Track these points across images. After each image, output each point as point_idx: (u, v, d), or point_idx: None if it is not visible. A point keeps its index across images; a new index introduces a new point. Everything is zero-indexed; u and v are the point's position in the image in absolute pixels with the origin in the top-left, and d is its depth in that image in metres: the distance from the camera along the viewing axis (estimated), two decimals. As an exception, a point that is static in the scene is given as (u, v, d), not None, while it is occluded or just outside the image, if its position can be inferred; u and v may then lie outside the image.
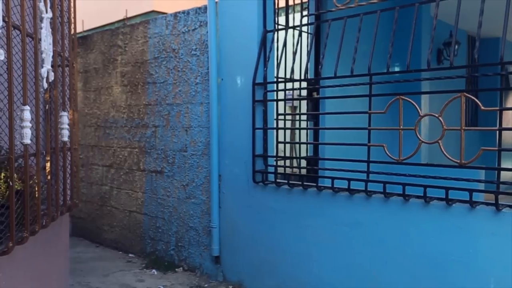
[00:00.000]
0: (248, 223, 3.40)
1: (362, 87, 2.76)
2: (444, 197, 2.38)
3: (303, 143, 3.11)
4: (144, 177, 4.34)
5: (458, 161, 2.32)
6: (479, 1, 2.18)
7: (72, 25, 2.36)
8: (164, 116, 4.10)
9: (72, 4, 2.36)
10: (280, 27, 3.37)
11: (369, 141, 2.70)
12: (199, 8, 3.77)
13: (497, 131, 2.23)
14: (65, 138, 2.12)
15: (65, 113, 2.12)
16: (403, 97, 2.51)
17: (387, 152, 2.57)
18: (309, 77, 3.12)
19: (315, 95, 4.06)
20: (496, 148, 2.22)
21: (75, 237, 5.21)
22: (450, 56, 2.38)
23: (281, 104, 3.39)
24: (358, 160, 2.75)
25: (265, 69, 3.23)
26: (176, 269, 3.94)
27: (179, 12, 3.96)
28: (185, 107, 3.91)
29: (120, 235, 4.64)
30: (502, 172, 2.26)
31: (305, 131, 3.83)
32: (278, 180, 3.22)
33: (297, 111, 4.84)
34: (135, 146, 4.42)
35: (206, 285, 3.58)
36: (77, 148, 2.42)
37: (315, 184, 2.98)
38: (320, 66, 3.01)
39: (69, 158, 2.32)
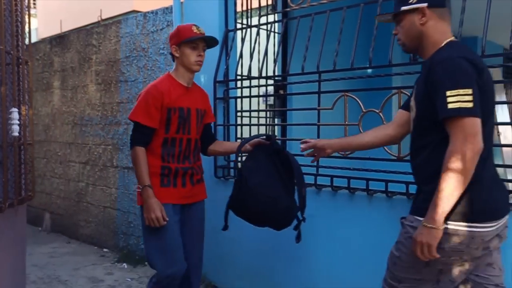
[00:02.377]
0: (212, 217, 3.50)
1: (328, 83, 2.80)
2: (384, 189, 2.48)
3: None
4: (117, 173, 4.43)
5: (397, 155, 2.42)
6: (460, 0, 2.24)
7: (27, 24, 2.45)
8: (135, 113, 4.19)
9: (26, 4, 2.45)
10: (243, 26, 3.46)
11: (318, 137, 2.80)
12: (167, 8, 3.87)
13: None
14: (16, 134, 2.21)
15: (16, 109, 2.22)
16: (347, 94, 2.61)
17: (334, 147, 2.66)
18: (269, 75, 3.20)
19: (281, 92, 4.16)
20: (429, 142, 2.32)
21: (53, 233, 5.33)
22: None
23: (256, 101, 3.50)
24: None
25: (225, 67, 3.33)
26: (146, 263, 4.03)
27: (148, 12, 4.06)
28: (154, 104, 4.00)
29: (95, 231, 4.74)
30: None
31: (270, 127, 3.94)
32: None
33: (272, 108, 4.97)
34: (109, 143, 4.52)
35: (172, 278, 3.68)
36: (32, 143, 2.51)
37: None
38: (287, 64, 3.10)
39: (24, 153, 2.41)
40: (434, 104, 1.60)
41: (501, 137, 7.67)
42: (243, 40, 3.33)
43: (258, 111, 3.26)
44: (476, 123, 1.54)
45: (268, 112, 4.05)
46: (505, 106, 8.09)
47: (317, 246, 2.82)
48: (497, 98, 7.24)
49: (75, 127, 4.97)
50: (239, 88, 3.37)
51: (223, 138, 3.36)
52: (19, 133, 2.28)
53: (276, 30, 3.50)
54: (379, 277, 2.52)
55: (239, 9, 3.54)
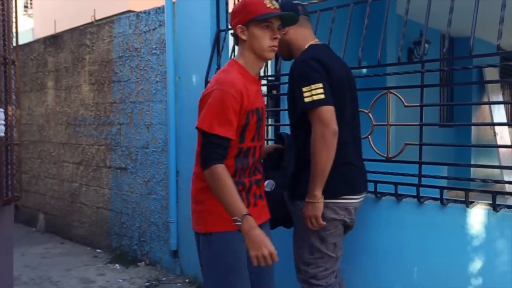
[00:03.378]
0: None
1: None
2: (373, 190, 2.47)
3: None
4: (110, 174, 4.42)
5: (385, 155, 2.41)
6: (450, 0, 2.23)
7: (14, 24, 2.44)
8: (128, 113, 4.19)
9: (13, 4, 2.44)
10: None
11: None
12: (159, 8, 3.86)
13: (419, 126, 2.31)
14: (1, 134, 2.20)
15: (2, 110, 2.20)
16: (336, 94, 2.60)
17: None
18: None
19: (274, 91, 4.15)
20: (418, 143, 2.31)
21: (47, 234, 5.31)
22: (420, 53, 2.45)
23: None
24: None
25: (216, 67, 3.31)
26: (138, 264, 4.03)
27: (141, 12, 4.05)
28: (147, 105, 4.00)
29: (89, 231, 4.73)
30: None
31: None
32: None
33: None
34: (102, 144, 4.51)
35: (164, 279, 3.67)
36: (19, 144, 2.49)
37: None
38: (278, 64, 3.09)
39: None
40: (296, 100, 1.93)
41: (498, 138, 7.67)
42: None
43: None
44: (329, 110, 1.87)
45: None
46: (502, 106, 8.08)
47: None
48: (494, 98, 7.27)
49: (68, 127, 4.95)
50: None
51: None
52: (5, 133, 2.26)
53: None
54: (367, 276, 2.52)
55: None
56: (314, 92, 1.87)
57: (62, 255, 4.44)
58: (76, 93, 4.83)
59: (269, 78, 3.76)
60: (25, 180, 5.79)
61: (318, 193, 1.91)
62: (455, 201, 2.25)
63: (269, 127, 4.27)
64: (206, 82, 3.33)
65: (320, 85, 1.87)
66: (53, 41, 5.18)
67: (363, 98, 2.66)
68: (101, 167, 4.53)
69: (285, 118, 4.34)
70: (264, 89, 4.02)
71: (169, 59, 3.67)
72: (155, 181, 3.93)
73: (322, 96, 1.86)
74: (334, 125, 1.86)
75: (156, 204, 3.93)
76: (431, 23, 2.43)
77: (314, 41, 2.08)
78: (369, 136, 2.47)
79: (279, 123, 4.18)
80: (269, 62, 3.88)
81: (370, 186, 2.50)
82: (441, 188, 2.21)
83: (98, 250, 4.56)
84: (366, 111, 2.47)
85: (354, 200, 2.05)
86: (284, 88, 4.13)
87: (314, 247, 2.03)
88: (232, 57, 3.35)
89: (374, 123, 2.45)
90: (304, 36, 2.08)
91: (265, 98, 4.40)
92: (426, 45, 6.18)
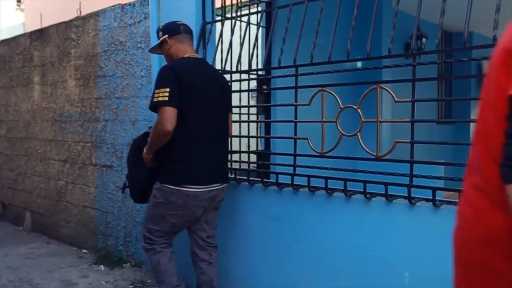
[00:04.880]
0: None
1: (314, 77, 2.63)
2: (362, 190, 2.34)
3: (241, 136, 3.07)
4: (96, 172, 4.29)
5: (375, 154, 2.27)
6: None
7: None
8: (113, 109, 4.05)
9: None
10: (222, 18, 3.30)
11: (295, 134, 2.65)
12: (144, 0, 3.71)
13: (411, 123, 2.17)
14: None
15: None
16: (325, 89, 2.46)
17: (310, 145, 2.52)
18: (244, 69, 3.05)
19: (264, 88, 4.01)
20: (409, 141, 2.17)
21: (33, 233, 5.18)
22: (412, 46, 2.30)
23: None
24: (284, 154, 2.71)
25: (202, 61, 3.18)
26: (124, 265, 3.89)
27: (126, 4, 3.91)
28: (132, 100, 3.85)
29: (75, 231, 4.59)
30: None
31: (254, 124, 3.79)
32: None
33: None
34: (87, 141, 4.37)
35: (149, 281, 3.54)
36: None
37: (246, 178, 2.93)
38: (268, 57, 2.94)
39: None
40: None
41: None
42: (221, 33, 3.17)
43: (238, 107, 3.10)
44: (168, 110, 2.29)
45: (250, 109, 3.89)
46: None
47: (294, 249, 2.68)
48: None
49: (54, 124, 4.81)
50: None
51: (200, 135, 3.21)
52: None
53: (256, 22, 3.33)
54: (357, 281, 2.39)
55: (219, 4, 3.37)
56: (161, 94, 2.31)
57: (47, 256, 4.31)
58: (62, 88, 4.69)
59: (259, 72, 3.63)
60: (12, 177, 5.65)
61: (149, 153, 2.51)
62: (449, 203, 2.11)
63: (260, 124, 4.14)
64: (191, 76, 3.20)
65: (167, 89, 2.30)
66: (39, 35, 5.03)
67: (355, 93, 2.53)
68: (87, 164, 4.39)
69: (276, 114, 4.21)
70: (253, 84, 3.89)
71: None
72: (141, 180, 3.78)
73: (166, 98, 2.30)
74: (168, 124, 2.29)
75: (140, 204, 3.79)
76: (429, 17, 2.31)
77: (191, 54, 2.58)
78: (358, 133, 2.33)
79: (270, 119, 4.05)
80: (260, 55, 3.75)
81: (359, 186, 2.37)
82: (434, 189, 2.08)
83: (83, 251, 4.43)
84: (355, 107, 2.34)
85: (195, 189, 2.43)
86: (275, 82, 4.00)
87: (156, 221, 2.54)
88: (219, 49, 3.24)
89: (364, 120, 2.31)
90: (182, 50, 2.58)
91: (255, 94, 4.28)
92: (424, 39, 6.04)
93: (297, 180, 2.68)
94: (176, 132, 2.36)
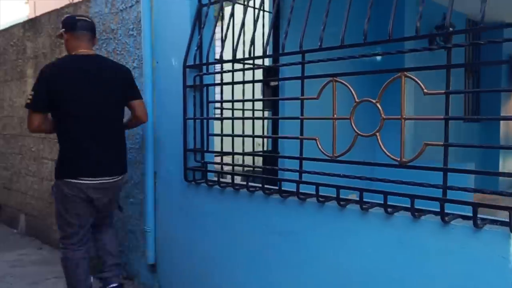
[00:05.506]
0: (184, 227, 2.96)
1: (325, 65, 2.18)
2: (382, 203, 1.90)
3: (237, 135, 2.64)
4: (87, 173, 3.91)
5: (398, 159, 1.83)
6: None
7: None
8: (105, 105, 3.66)
9: None
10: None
11: (301, 133, 2.22)
12: (136, -19, 3.31)
13: (444, 121, 1.72)
14: None
15: None
16: (336, 79, 2.02)
17: (319, 146, 2.09)
18: (238, 58, 2.62)
19: (272, 82, 3.58)
20: (442, 143, 1.72)
21: (27, 237, 4.86)
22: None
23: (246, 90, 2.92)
24: (288, 157, 2.29)
25: (196, 48, 2.76)
26: (115, 277, 3.51)
27: (117, -13, 3.51)
28: (124, 94, 3.46)
29: (67, 236, 4.23)
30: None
31: (250, 121, 3.36)
32: (209, 179, 2.77)
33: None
34: (79, 139, 3.99)
35: (140, 296, 3.16)
36: None
37: (245, 184, 2.51)
38: (275, 44, 2.51)
39: None
40: None
41: None
42: (218, 16, 2.76)
43: (237, 101, 2.68)
44: (30, 113, 2.56)
45: (257, 104, 3.47)
46: None
47: (298, 269, 2.26)
48: None
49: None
50: (217, 73, 2.80)
51: (194, 133, 2.80)
52: None
53: (259, 5, 2.90)
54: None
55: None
56: (30, 96, 2.55)
57: (35, 264, 3.96)
58: (54, 82, 4.33)
59: (256, 63, 3.18)
60: (7, 177, 5.34)
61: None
62: (495, 222, 1.66)
63: (265, 121, 3.72)
64: (185, 65, 2.79)
65: (33, 92, 2.54)
66: (32, 24, 4.69)
67: (373, 84, 2.09)
68: (79, 165, 4.02)
69: (284, 109, 3.78)
70: (258, 73, 3.44)
71: (145, 41, 3.13)
72: (133, 183, 3.40)
73: (29, 102, 2.55)
74: (29, 125, 2.61)
75: (134, 209, 3.41)
76: (456, 5, 1.85)
77: (82, 51, 2.69)
78: (378, 133, 1.89)
79: (277, 116, 3.62)
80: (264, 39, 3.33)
81: (378, 198, 1.93)
82: (475, 205, 1.63)
83: (75, 258, 4.07)
84: (374, 101, 1.89)
85: (84, 181, 2.60)
86: (285, 72, 3.56)
87: (62, 216, 2.70)
88: (216, 34, 2.82)
89: (384, 117, 1.86)
90: (75, 46, 2.71)
91: (260, 86, 3.84)
92: (451, 28, 5.51)
93: (304, 189, 2.25)
94: (59, 131, 2.68)
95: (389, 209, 1.89)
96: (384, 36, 1.89)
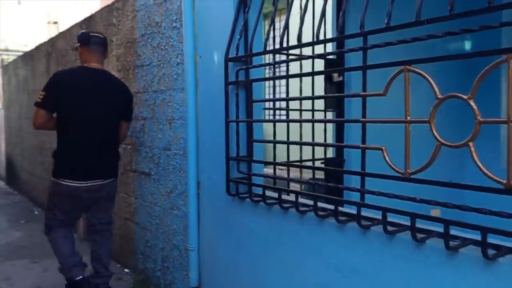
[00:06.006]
0: (227, 247, 2.54)
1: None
2: (480, 240, 1.33)
3: (278, 142, 2.15)
4: (135, 180, 3.64)
5: (504, 181, 1.25)
6: None
7: None
8: (151, 106, 3.35)
9: None
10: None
11: (363, 141, 1.69)
12: (178, -33, 2.94)
13: None
14: None
15: None
16: (410, 67, 1.47)
17: (387, 159, 1.55)
18: (291, 45, 2.11)
19: (335, 76, 3.04)
20: None
21: (85, 242, 4.70)
22: None
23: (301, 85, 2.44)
24: (348, 172, 1.76)
25: (239, 38, 2.31)
26: (160, 296, 3.20)
27: (161, -25, 3.17)
28: (168, 94, 3.12)
29: (119, 246, 4.00)
30: None
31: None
32: (255, 193, 2.31)
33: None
34: (128, 142, 3.73)
35: (182, 323, 2.79)
36: None
37: (293, 202, 2.02)
38: (341, 29, 1.99)
39: None
40: None
41: None
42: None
43: (284, 99, 2.18)
44: (38, 111, 2.80)
45: (317, 104, 2.94)
46: None
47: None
48: None
49: (101, 123, 4.26)
50: (265, 65, 2.34)
51: (237, 139, 2.35)
52: None
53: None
54: None
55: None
56: (40, 96, 2.80)
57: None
58: (106, 82, 4.12)
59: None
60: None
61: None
62: None
63: (328, 125, 3.20)
64: (226, 59, 2.36)
65: (44, 93, 2.80)
66: (88, 23, 4.52)
67: (461, 74, 1.52)
68: (128, 170, 3.76)
69: (351, 110, 3.22)
70: (318, 63, 2.91)
71: (186, 32, 2.74)
72: (177, 193, 3.04)
73: (39, 100, 2.79)
74: (35, 121, 2.82)
75: (178, 223, 3.05)
76: None
77: (92, 65, 2.93)
78: (471, 143, 1.32)
79: (343, 118, 3.08)
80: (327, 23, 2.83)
81: (473, 234, 1.36)
82: None
83: (126, 270, 3.82)
84: (465, 97, 1.32)
85: (75, 183, 2.80)
86: (350, 60, 3.01)
87: (50, 209, 2.95)
88: (264, 25, 2.35)
89: (481, 119, 1.29)
90: (87, 59, 2.96)
91: (319, 81, 3.30)
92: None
93: (367, 213, 1.72)
94: (58, 133, 2.88)
95: (490, 253, 1.31)
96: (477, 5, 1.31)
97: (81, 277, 2.90)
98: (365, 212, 1.73)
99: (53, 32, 7.22)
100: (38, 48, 6.39)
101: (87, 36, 2.99)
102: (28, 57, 7.03)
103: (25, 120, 7.09)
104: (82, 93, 2.83)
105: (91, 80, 2.89)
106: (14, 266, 4.02)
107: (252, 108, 2.30)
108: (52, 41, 5.78)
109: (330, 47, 3.35)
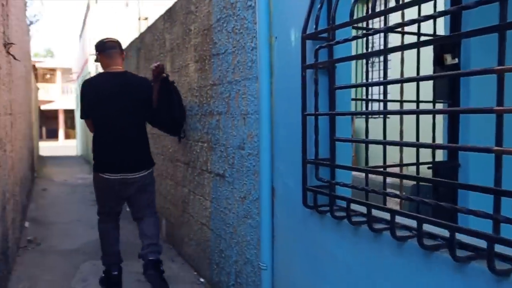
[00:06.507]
0: (306, 270, 2.05)
1: None
2: None
3: (371, 142, 1.59)
4: (211, 181, 3.29)
5: None
6: None
7: None
8: (225, 99, 2.97)
9: None
10: None
11: (498, 143, 1.10)
12: None
13: None
14: None
15: None
16: None
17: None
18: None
19: (448, 58, 2.40)
20: None
21: (167, 244, 4.51)
22: None
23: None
24: (466, 186, 1.19)
25: (319, 7, 1.81)
26: (233, 315, 2.80)
27: (236, -51, 2.75)
28: (243, 85, 2.70)
29: (195, 252, 3.70)
30: None
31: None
32: (338, 206, 1.79)
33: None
34: (204, 140, 3.40)
35: None
36: None
37: (388, 221, 1.47)
38: None
39: None
40: None
41: None
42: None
43: (377, 84, 1.64)
44: (85, 121, 3.29)
45: (422, 93, 2.32)
46: None
47: None
48: None
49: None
50: (353, 40, 1.82)
51: (316, 137, 1.85)
52: None
53: None
54: None
55: None
56: (80, 108, 3.28)
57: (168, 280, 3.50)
58: (185, 75, 3.84)
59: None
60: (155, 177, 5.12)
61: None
62: None
63: (441, 117, 2.56)
64: (303, 36, 1.87)
65: (80, 105, 3.26)
66: (169, 15, 4.29)
67: None
68: (204, 171, 3.43)
69: (469, 100, 2.54)
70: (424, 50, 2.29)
71: (260, 9, 2.30)
72: (251, 199, 2.62)
73: (80, 113, 3.29)
74: (88, 129, 3.35)
75: (252, 234, 2.63)
76: None
77: (111, 68, 3.21)
78: None
79: (458, 106, 2.42)
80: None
81: None
82: None
83: (201, 280, 3.51)
84: None
85: (109, 176, 3.13)
86: (469, 47, 2.38)
87: (97, 200, 3.37)
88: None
89: None
90: (106, 64, 3.24)
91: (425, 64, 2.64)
92: None
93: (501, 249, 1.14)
94: (94, 134, 3.23)
95: None
96: None
97: (116, 273, 3.27)
98: (498, 248, 1.14)
99: (143, 28, 7.24)
100: (130, 45, 6.40)
101: (102, 43, 3.24)
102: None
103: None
104: (105, 96, 3.11)
105: (111, 82, 3.15)
106: (94, 266, 3.90)
107: (335, 98, 1.79)
108: (141, 37, 5.71)
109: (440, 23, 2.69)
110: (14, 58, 3.60)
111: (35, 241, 4.53)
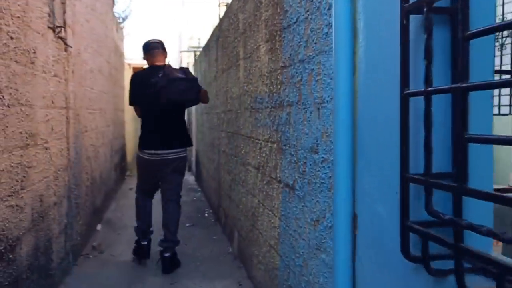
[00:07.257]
0: None
1: None
2: None
3: None
4: (280, 193, 2.54)
5: None
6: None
7: None
8: (297, 84, 2.20)
9: None
10: None
11: None
12: None
13: None
14: None
15: None
16: None
17: None
18: None
19: None
20: None
21: (237, 261, 3.85)
22: None
23: None
24: None
25: None
26: None
27: None
28: (317, 62, 1.91)
29: (263, 279, 2.98)
30: None
31: None
32: (467, 269, 0.94)
33: None
34: (274, 140, 2.66)
35: None
36: None
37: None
38: None
39: None
40: None
41: None
42: None
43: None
44: (133, 107, 3.84)
45: None
46: None
47: None
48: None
49: (252, 114, 3.31)
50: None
51: (426, 136, 1.01)
52: None
53: None
54: None
55: None
56: (129, 95, 3.79)
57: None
58: (256, 60, 3.13)
59: None
60: (228, 182, 4.51)
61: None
62: None
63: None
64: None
65: (128, 93, 3.77)
66: (243, -10, 3.62)
67: None
68: (273, 179, 2.69)
69: None
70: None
71: None
72: (326, 225, 1.82)
73: (129, 100, 3.79)
74: (136, 114, 3.88)
75: (326, 276, 1.83)
76: None
77: (154, 64, 3.71)
78: None
79: None
80: None
81: None
82: None
83: (268, 316, 2.77)
84: None
85: (149, 154, 3.65)
86: None
87: (138, 177, 3.87)
88: None
89: None
90: (151, 61, 3.73)
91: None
92: None
93: None
94: (141, 118, 3.83)
95: None
96: None
97: (145, 242, 3.78)
98: None
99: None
100: (211, 36, 5.88)
101: (147, 44, 3.76)
102: (206, 49, 6.65)
103: (205, 115, 6.74)
104: (148, 86, 3.53)
105: (155, 74, 3.55)
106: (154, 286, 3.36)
107: (467, 59, 0.94)
108: (219, 24, 5.15)
109: None
110: (65, 44, 3.15)
111: (98, 248, 4.13)
